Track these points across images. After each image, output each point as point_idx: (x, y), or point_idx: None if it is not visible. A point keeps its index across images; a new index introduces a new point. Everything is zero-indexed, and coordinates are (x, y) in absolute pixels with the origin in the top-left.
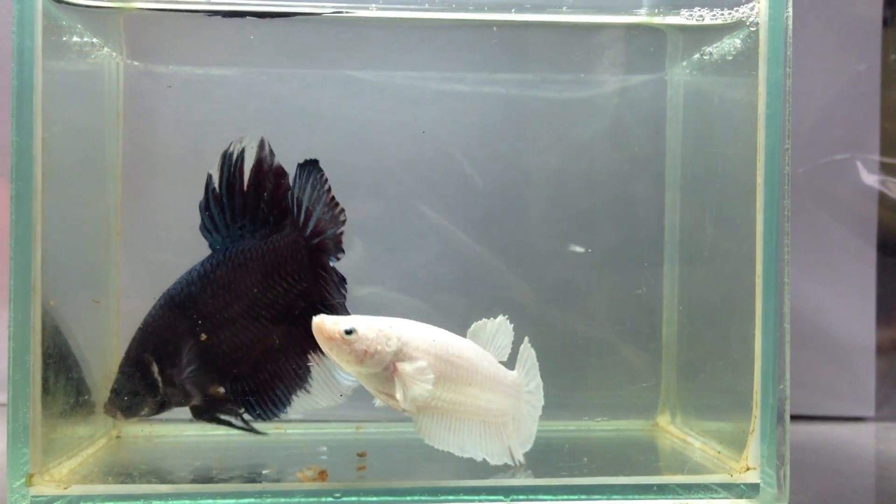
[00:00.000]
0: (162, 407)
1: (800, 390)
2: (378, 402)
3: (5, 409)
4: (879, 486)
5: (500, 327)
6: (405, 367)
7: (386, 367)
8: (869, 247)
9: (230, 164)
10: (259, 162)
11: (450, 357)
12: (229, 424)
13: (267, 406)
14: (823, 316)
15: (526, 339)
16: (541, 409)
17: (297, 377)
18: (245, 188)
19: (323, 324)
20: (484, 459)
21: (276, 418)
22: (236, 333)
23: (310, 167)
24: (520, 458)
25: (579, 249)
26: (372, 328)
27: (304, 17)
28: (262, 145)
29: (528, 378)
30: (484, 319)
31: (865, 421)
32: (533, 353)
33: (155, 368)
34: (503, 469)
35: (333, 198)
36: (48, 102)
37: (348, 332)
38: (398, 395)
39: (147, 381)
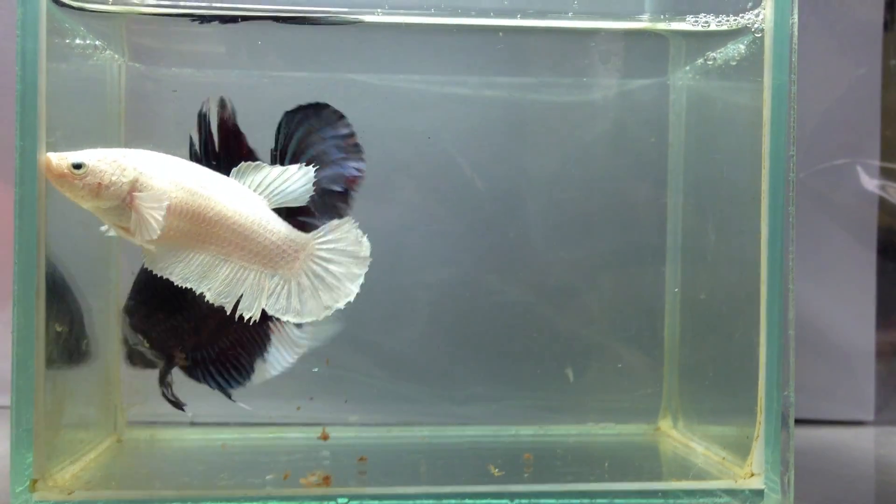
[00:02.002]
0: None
1: (800, 394)
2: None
3: (3, 410)
4: (881, 490)
5: (290, 174)
6: (140, 199)
7: (123, 199)
8: (869, 251)
9: (205, 125)
10: (222, 121)
11: (191, 187)
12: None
13: (229, 373)
14: (823, 320)
15: (350, 218)
16: (339, 301)
17: (257, 343)
18: (217, 148)
19: (49, 160)
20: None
21: (239, 386)
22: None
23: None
24: (255, 313)
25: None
26: (105, 160)
27: (309, 22)
28: (222, 104)
29: (332, 254)
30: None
31: (865, 425)
32: (355, 234)
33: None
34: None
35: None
36: (51, 105)
37: (77, 167)
38: (132, 227)
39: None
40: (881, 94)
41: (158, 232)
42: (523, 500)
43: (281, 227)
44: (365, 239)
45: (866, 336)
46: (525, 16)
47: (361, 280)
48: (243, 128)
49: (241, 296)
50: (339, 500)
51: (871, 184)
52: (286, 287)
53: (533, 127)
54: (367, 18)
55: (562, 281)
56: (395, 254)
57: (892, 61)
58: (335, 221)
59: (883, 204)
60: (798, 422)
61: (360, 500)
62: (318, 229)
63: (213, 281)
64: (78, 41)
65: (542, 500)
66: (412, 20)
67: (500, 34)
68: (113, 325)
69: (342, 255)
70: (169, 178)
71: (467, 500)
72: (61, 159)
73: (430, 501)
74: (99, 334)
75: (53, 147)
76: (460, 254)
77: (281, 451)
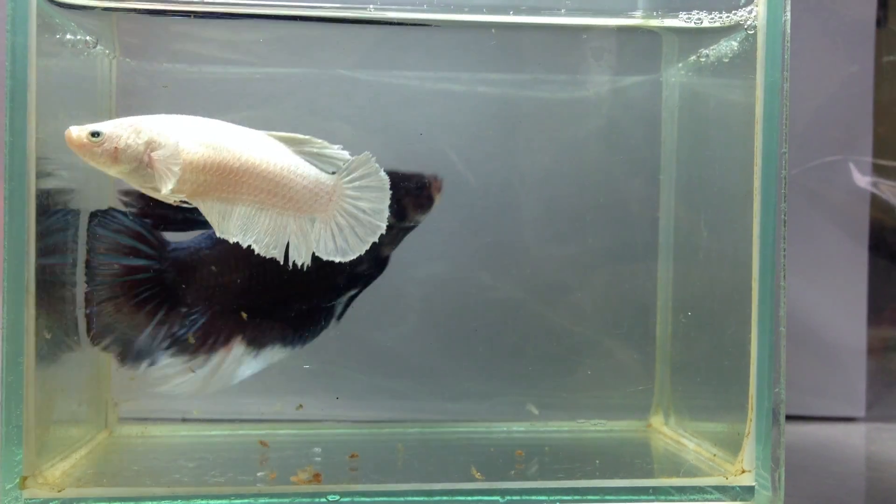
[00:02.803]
0: None
1: (791, 390)
2: None
3: None
4: (871, 487)
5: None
6: (157, 155)
7: (143, 162)
8: (860, 248)
9: None
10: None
11: (211, 142)
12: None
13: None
14: (815, 316)
15: (368, 153)
16: (374, 232)
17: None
18: None
19: (70, 131)
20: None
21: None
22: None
23: None
24: (306, 259)
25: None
26: (121, 125)
27: (302, 19)
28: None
29: (358, 191)
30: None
31: (856, 421)
32: (374, 167)
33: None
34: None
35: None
36: (41, 101)
37: (94, 135)
38: (159, 186)
39: None
40: (874, 91)
41: (173, 182)
42: (514, 497)
43: (310, 171)
44: (382, 172)
45: (858, 332)
46: (518, 12)
47: (387, 213)
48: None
49: (288, 244)
50: (330, 498)
51: (863, 180)
52: (328, 229)
53: (526, 123)
54: (359, 15)
55: (554, 277)
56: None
57: (885, 58)
58: (354, 159)
59: (875, 200)
60: (789, 418)
61: (352, 498)
62: (342, 169)
63: (256, 233)
64: (69, 36)
65: (534, 497)
66: (404, 16)
67: (493, 30)
68: None
69: (367, 191)
70: (185, 134)
71: (458, 497)
72: (81, 130)
73: (421, 498)
74: None
75: (43, 143)
76: (452, 250)
77: (272, 448)
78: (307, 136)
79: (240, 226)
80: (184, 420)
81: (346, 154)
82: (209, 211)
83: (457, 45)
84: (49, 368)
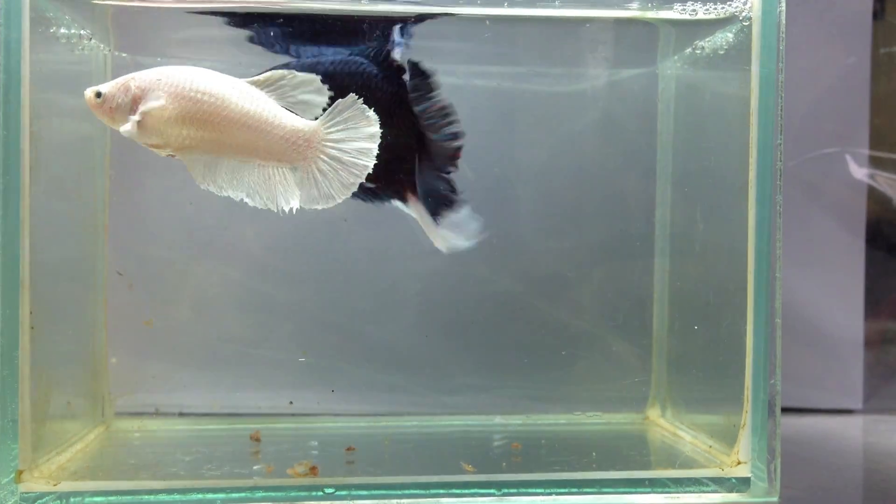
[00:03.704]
0: None
1: (788, 383)
2: None
3: None
4: (868, 479)
5: (304, 81)
6: (143, 110)
7: (132, 119)
8: (857, 240)
9: None
10: None
11: (191, 94)
12: None
13: None
14: (812, 309)
15: (354, 96)
16: (355, 178)
17: None
18: None
19: (85, 92)
20: (243, 200)
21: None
22: None
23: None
24: (293, 205)
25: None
26: (116, 84)
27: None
28: None
29: (340, 134)
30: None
31: (854, 413)
32: (359, 110)
33: None
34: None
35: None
36: (36, 95)
37: (97, 95)
38: (145, 140)
39: None
40: (870, 83)
41: (158, 137)
42: (511, 490)
43: (287, 121)
44: (371, 112)
45: (855, 325)
46: (513, 4)
47: (375, 152)
48: None
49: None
50: (327, 490)
51: (860, 173)
52: (309, 176)
53: (522, 116)
54: (353, 7)
55: (550, 270)
56: (384, 243)
57: (882, 50)
58: (340, 102)
59: (872, 193)
60: (787, 411)
61: (348, 490)
62: (326, 113)
63: (245, 185)
64: (63, 30)
65: (530, 490)
66: (399, 9)
67: (487, 22)
68: (100, 315)
69: (353, 133)
70: (168, 88)
71: (455, 490)
72: (91, 91)
73: (418, 491)
74: (88, 324)
75: (36, 136)
76: None
77: (268, 441)
78: (282, 71)
79: (229, 179)
80: (180, 414)
81: (317, 79)
82: (200, 166)
83: (453, 37)
84: (45, 362)
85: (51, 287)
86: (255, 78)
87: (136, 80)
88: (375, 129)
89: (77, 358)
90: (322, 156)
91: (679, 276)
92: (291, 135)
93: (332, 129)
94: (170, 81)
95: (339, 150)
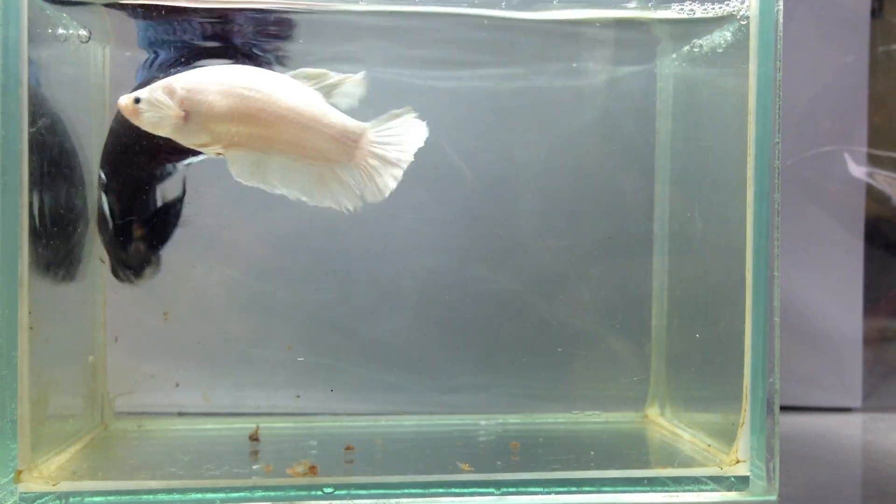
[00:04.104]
0: None
1: (787, 381)
2: None
3: None
4: (867, 477)
5: (356, 83)
6: (191, 109)
7: (179, 121)
8: (856, 238)
9: None
10: None
11: (238, 91)
12: None
13: None
14: (810, 307)
15: (410, 107)
16: (393, 181)
17: None
18: None
19: (119, 101)
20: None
21: None
22: None
23: None
24: (346, 205)
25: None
26: (157, 87)
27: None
28: None
29: (389, 137)
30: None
31: (852, 411)
32: (411, 119)
33: None
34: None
35: None
36: (34, 94)
37: (137, 101)
38: (195, 141)
39: None
40: (869, 81)
41: (208, 136)
42: (510, 489)
43: (337, 120)
44: (422, 123)
45: (854, 323)
46: (510, 6)
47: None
48: None
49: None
50: (326, 490)
51: (858, 171)
52: (361, 174)
53: (521, 115)
54: (351, 7)
55: (549, 269)
56: (384, 243)
57: (880, 48)
58: (394, 111)
59: (870, 191)
60: (786, 409)
61: (347, 490)
62: (379, 118)
63: (298, 184)
64: (61, 30)
65: (529, 489)
66: (396, 9)
67: (486, 22)
68: (98, 313)
69: (398, 138)
70: (216, 86)
71: (454, 489)
72: (128, 98)
73: (417, 490)
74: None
75: (35, 136)
76: (448, 242)
77: (268, 440)
78: (322, 70)
79: (280, 178)
80: (179, 414)
81: (360, 76)
82: (247, 164)
83: (451, 37)
84: (44, 363)
85: (50, 287)
86: (297, 71)
87: (180, 80)
88: (421, 137)
89: (76, 358)
90: (370, 156)
91: (678, 275)
92: (341, 134)
93: (380, 133)
94: (216, 80)
95: (385, 151)
